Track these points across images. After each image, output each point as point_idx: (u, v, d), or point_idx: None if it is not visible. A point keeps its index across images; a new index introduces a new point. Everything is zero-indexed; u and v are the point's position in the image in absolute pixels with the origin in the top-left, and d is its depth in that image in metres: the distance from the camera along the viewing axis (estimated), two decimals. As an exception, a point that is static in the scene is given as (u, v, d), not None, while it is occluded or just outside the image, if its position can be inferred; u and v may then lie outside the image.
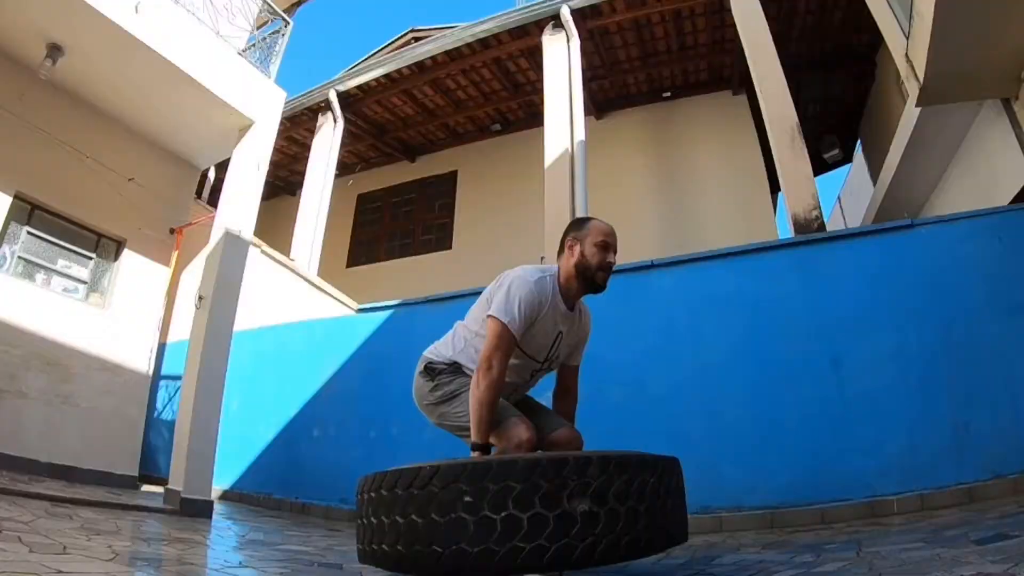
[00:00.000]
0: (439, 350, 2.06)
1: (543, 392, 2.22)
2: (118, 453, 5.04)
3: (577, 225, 2.01)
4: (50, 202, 5.00)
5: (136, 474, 5.14)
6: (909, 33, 3.96)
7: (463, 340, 2.00)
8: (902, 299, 3.52)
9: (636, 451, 1.61)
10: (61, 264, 5.13)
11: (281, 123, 5.75)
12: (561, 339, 1.97)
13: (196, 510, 3.85)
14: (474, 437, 1.75)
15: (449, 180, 10.23)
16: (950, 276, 3.48)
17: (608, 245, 1.93)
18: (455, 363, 1.98)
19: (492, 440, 1.79)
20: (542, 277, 1.90)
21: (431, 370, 2.01)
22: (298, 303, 6.66)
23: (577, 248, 1.93)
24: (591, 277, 1.91)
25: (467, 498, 1.40)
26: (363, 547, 1.67)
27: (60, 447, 4.63)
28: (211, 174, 9.30)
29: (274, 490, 5.12)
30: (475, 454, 1.75)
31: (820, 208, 5.22)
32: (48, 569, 1.53)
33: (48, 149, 4.85)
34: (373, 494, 1.59)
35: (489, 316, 1.84)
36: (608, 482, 1.43)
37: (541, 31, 7.41)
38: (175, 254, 5.78)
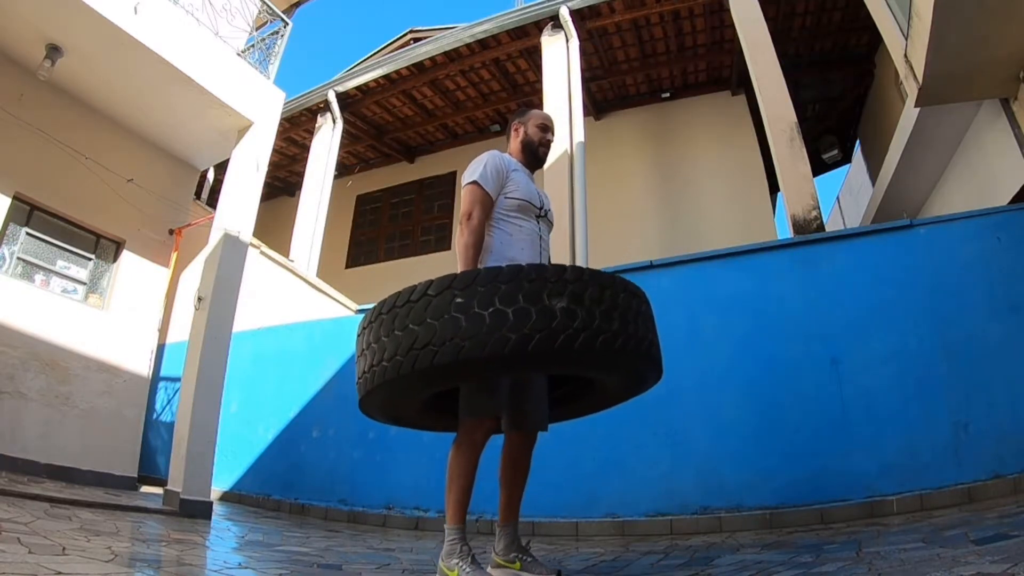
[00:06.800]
0: None
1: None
2: (117, 454, 5.03)
3: (520, 113, 2.34)
4: (49, 203, 4.99)
5: (135, 475, 5.13)
6: (908, 33, 3.96)
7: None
8: (901, 299, 3.52)
9: None
10: (60, 265, 5.12)
11: (280, 124, 5.74)
12: (541, 193, 2.23)
13: (195, 511, 3.84)
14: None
15: (448, 181, 10.22)
16: (949, 276, 3.48)
17: (547, 127, 2.27)
18: None
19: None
20: (500, 152, 2.18)
21: None
22: (297, 304, 6.66)
23: (522, 129, 2.26)
24: (534, 151, 2.25)
25: (458, 299, 1.55)
26: (362, 377, 1.76)
27: (59, 448, 4.63)
28: (210, 175, 9.31)
29: (273, 491, 5.11)
30: None
31: (819, 208, 5.23)
32: (47, 570, 1.53)
33: (47, 150, 4.85)
34: (375, 322, 1.72)
35: (464, 186, 2.06)
36: (583, 287, 1.59)
37: (540, 32, 7.41)
38: (174, 255, 5.78)
